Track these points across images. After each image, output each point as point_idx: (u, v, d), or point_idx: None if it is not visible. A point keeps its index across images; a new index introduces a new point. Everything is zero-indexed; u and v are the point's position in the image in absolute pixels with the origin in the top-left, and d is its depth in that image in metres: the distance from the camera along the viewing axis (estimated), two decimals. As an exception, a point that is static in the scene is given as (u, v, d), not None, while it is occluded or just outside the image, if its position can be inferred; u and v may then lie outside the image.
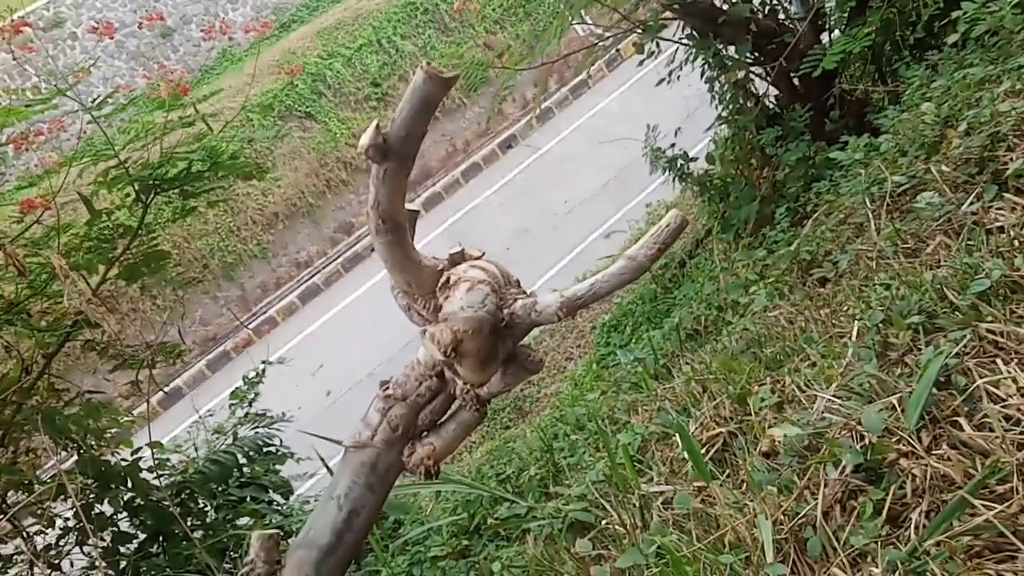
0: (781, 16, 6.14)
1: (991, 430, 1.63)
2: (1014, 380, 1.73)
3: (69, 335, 3.59)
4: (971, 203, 2.59)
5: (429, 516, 3.75)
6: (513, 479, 3.63)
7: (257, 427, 4.14)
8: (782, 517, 1.76)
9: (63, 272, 2.97)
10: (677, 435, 2.39)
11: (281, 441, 4.16)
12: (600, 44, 7.02)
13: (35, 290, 3.58)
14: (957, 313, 2.02)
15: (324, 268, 14.69)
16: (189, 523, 3.44)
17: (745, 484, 1.98)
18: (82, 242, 3.71)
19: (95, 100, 3.94)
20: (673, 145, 7.11)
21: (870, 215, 3.06)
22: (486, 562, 2.75)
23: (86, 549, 3.28)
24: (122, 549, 3.35)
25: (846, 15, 5.69)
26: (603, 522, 2.39)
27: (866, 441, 1.75)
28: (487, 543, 3.09)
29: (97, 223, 3.75)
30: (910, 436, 1.69)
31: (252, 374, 4.49)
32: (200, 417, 4.49)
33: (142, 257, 3.88)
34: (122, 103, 4.62)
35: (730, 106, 6.46)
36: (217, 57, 16.07)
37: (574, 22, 6.81)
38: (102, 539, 3.32)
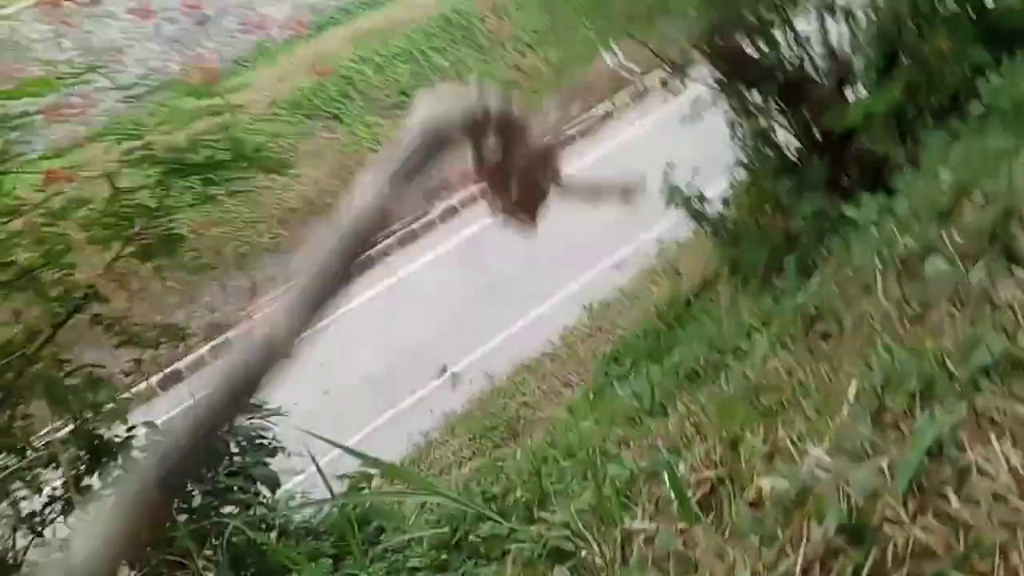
0: (808, 69, 6.20)
1: (978, 505, 1.64)
2: (1006, 458, 1.74)
3: (78, 307, 3.64)
4: (979, 275, 2.61)
5: (411, 526, 3.76)
6: (499, 499, 3.64)
7: (252, 418, 4.16)
8: (762, 569, 1.78)
9: (79, 245, 3.02)
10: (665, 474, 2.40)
11: (274, 435, 4.18)
12: (628, 77, 7.09)
13: (49, 259, 3.63)
14: (956, 384, 2.04)
15: (334, 268, 14.73)
16: (175, 505, 3.46)
17: (728, 531, 1.99)
18: (100, 217, 3.77)
19: (128, 83, 4.01)
20: (690, 184, 7.16)
21: (879, 276, 3.08)
22: (464, 579, 2.76)
23: (70, 520, 3.31)
24: (105, 525, 3.37)
25: (873, 75, 5.75)
26: (583, 553, 2.40)
27: (852, 502, 1.77)
28: (466, 559, 3.10)
29: (117, 201, 3.80)
30: (897, 502, 1.71)
31: (252, 366, 4.51)
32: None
33: (157, 239, 3.94)
34: (154, 86, 4.69)
35: (750, 152, 6.52)
36: (251, 50, 16.24)
37: (603, 52, 6.90)
38: (87, 511, 3.34)
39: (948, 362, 2.12)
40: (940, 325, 2.48)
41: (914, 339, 2.39)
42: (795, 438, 2.17)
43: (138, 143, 3.67)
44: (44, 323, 3.57)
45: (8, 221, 3.43)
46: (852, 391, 2.23)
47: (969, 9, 5.40)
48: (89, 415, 3.61)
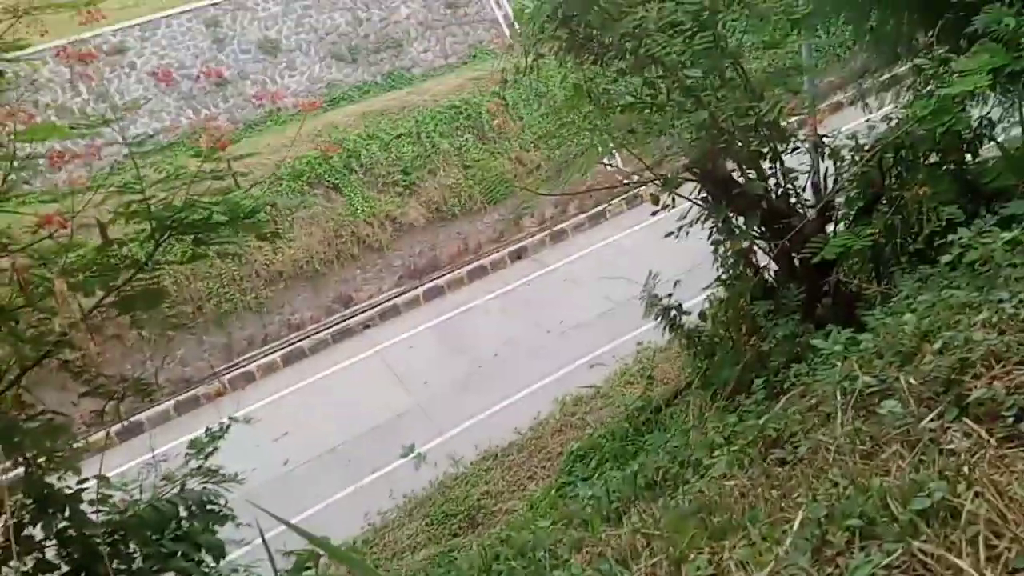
0: (792, 199, 6.45)
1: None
2: (935, 604, 1.78)
3: (50, 352, 3.64)
4: (931, 420, 2.70)
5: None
6: (445, 593, 3.60)
7: (206, 482, 4.10)
8: None
9: (61, 297, 3.05)
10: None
11: (226, 502, 4.12)
12: (622, 185, 7.34)
13: (29, 301, 3.65)
14: (895, 525, 2.09)
15: (314, 335, 14.73)
16: (115, 566, 3.38)
17: (664, 650, 2.00)
18: (88, 265, 3.81)
19: (137, 137, 4.13)
20: (670, 295, 7.32)
21: (838, 409, 3.16)
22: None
23: (5, 570, 3.22)
24: (40, 578, 3.29)
25: (854, 212, 5.99)
26: (521, 657, 2.38)
27: (785, 633, 1.80)
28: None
29: (106, 251, 3.86)
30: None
31: (216, 428, 4.48)
32: (153, 459, 4.45)
33: (140, 292, 3.97)
34: (162, 144, 4.80)
35: (730, 271, 6.70)
36: (263, 115, 16.63)
37: (602, 159, 7.15)
38: (24, 563, 3.26)
39: (891, 502, 2.18)
40: (888, 464, 2.55)
41: (862, 475, 2.46)
42: (738, 563, 2.20)
43: (136, 197, 3.75)
44: (14, 364, 3.57)
45: (-5, 259, 3.47)
46: (798, 521, 2.28)
47: (950, 162, 5.69)
48: (42, 461, 3.56)
